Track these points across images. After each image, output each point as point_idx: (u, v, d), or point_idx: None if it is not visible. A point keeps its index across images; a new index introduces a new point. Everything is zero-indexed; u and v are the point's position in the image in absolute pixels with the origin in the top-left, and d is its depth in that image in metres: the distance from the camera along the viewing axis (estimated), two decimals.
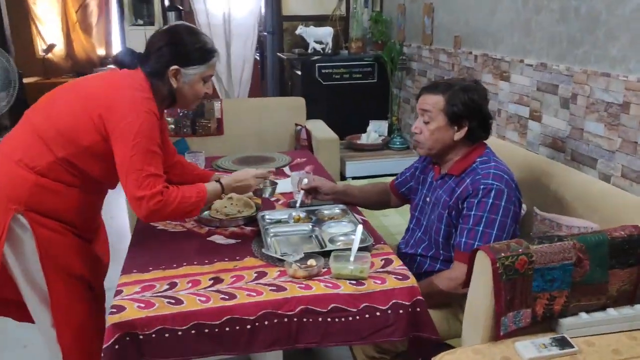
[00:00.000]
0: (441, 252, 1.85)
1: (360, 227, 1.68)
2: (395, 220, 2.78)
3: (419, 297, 1.54)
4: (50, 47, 8.34)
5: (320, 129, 3.79)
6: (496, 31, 2.71)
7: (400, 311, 1.52)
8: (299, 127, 3.83)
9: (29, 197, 1.63)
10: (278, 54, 4.89)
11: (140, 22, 4.38)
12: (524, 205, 2.16)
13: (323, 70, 4.15)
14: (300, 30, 4.23)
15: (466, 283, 1.66)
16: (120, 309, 1.43)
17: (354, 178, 3.74)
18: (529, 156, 2.30)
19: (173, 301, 1.47)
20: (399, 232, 2.65)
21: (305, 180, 2.02)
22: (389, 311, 1.52)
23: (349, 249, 1.64)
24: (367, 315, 1.51)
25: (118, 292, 1.52)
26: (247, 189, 1.89)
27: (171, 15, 5.10)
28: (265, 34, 5.45)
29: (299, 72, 4.29)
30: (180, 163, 2.10)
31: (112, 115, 1.61)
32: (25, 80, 7.50)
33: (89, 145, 1.64)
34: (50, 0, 8.24)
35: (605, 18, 1.95)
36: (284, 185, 2.36)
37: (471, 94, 1.78)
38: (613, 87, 1.91)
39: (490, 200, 1.70)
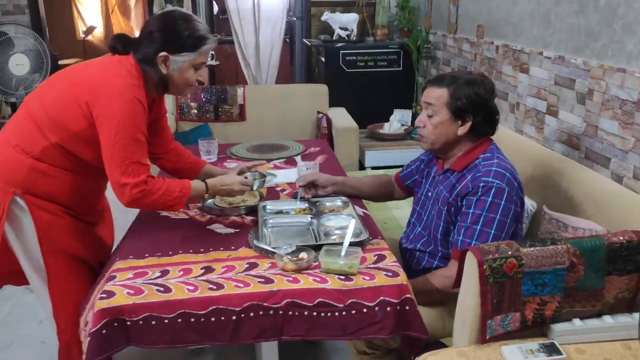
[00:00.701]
0: (440, 248, 1.82)
1: (353, 222, 1.66)
2: (406, 213, 2.75)
3: (408, 295, 1.52)
4: (90, 29, 8.54)
5: (341, 118, 3.76)
6: (517, 21, 2.62)
7: (388, 309, 1.50)
8: (320, 115, 3.82)
9: (26, 181, 1.68)
10: (304, 40, 4.86)
11: (170, 6, 4.40)
12: (533, 203, 2.10)
13: (347, 58, 4.11)
14: (326, 16, 4.19)
15: (457, 283, 1.64)
16: (110, 294, 1.46)
17: (373, 168, 3.70)
18: (544, 152, 2.23)
19: (162, 289, 1.49)
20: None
21: (302, 177, 2.03)
22: (376, 308, 1.50)
23: (342, 243, 1.63)
24: (353, 312, 1.50)
25: (111, 278, 1.55)
26: (230, 194, 1.90)
27: (200, 1, 5.13)
28: (295, 19, 5.42)
29: (324, 59, 4.26)
30: (175, 150, 2.11)
31: (97, 102, 1.63)
32: (65, 62, 7.69)
33: (78, 131, 1.67)
34: None
35: (624, 10, 1.85)
36: (291, 175, 2.36)
37: (476, 88, 1.73)
38: (628, 83, 1.82)
39: (490, 199, 1.66)
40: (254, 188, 2.02)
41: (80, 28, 8.57)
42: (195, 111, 3.87)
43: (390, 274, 1.56)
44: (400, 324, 1.52)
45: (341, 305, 1.49)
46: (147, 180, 1.66)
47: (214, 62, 5.40)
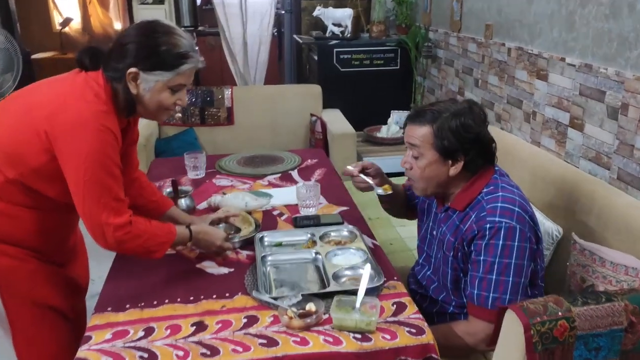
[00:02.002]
0: (452, 297, 1.61)
1: (368, 267, 1.44)
2: (412, 232, 2.53)
3: (432, 355, 1.31)
4: (66, 21, 8.15)
5: (336, 121, 3.53)
6: (533, 23, 2.40)
7: None
8: (314, 118, 3.58)
9: None
10: (294, 36, 4.60)
11: (149, 0, 4.14)
12: (559, 228, 1.89)
13: (341, 56, 3.86)
14: (318, 11, 3.93)
15: (493, 341, 1.43)
16: None
17: None
18: (568, 170, 2.02)
19: (146, 355, 1.26)
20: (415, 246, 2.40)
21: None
22: None
23: (356, 290, 1.41)
24: None
25: (86, 339, 1.33)
26: (209, 247, 1.64)
27: None
28: (283, 12, 5.15)
29: (316, 57, 4.01)
30: (139, 181, 1.80)
31: (58, 134, 1.37)
32: (41, 55, 7.37)
33: (38, 167, 1.42)
34: None
35: None
36: (288, 196, 2.13)
37: (464, 120, 1.48)
38: None
39: (501, 242, 1.43)
40: (236, 247, 1.74)
41: (57, 20, 8.19)
42: (180, 115, 3.61)
43: (414, 330, 1.34)
44: None
45: None
46: (131, 221, 1.44)
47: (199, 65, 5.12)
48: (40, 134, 1.38)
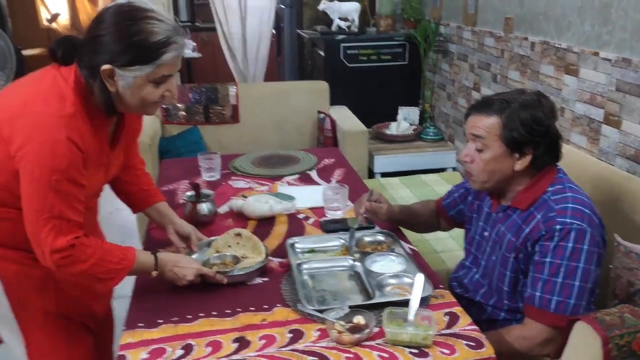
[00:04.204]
0: (505, 302, 1.53)
1: (421, 277, 1.34)
2: (437, 233, 2.45)
3: None
4: (54, 17, 7.95)
5: (346, 119, 3.43)
6: (560, 16, 2.32)
7: None
8: (322, 116, 3.48)
9: None
10: (298, 31, 4.48)
11: None
12: None
13: (348, 51, 3.76)
14: (324, 5, 3.82)
15: (550, 346, 1.35)
16: None
17: (383, 175, 3.39)
18: (603, 168, 1.94)
19: None
20: (444, 250, 2.32)
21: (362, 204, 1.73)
22: None
23: (404, 301, 1.32)
24: None
25: (121, 359, 1.21)
26: (180, 280, 1.45)
27: None
28: (283, 7, 5.03)
29: (322, 53, 3.90)
30: (135, 169, 1.68)
31: (15, 139, 1.23)
32: (29, 52, 7.15)
33: (4, 185, 1.29)
34: None
35: None
36: (313, 197, 2.03)
37: (535, 112, 1.41)
38: None
39: (570, 245, 1.36)
40: (225, 282, 1.49)
41: (44, 15, 7.98)
42: (184, 113, 3.49)
43: (472, 344, 1.25)
44: None
45: None
46: (76, 244, 1.27)
47: (195, 55, 4.97)
48: (4, 138, 1.24)
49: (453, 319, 1.34)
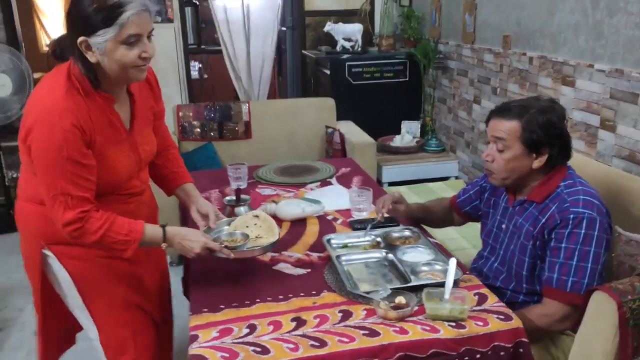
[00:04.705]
0: (524, 285, 1.70)
1: (453, 261, 1.53)
2: (449, 234, 2.64)
3: (522, 339, 1.40)
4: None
5: (353, 132, 3.63)
6: (556, 33, 2.55)
7: (502, 353, 1.40)
8: (330, 130, 3.68)
9: (43, 229, 1.53)
10: (303, 51, 4.70)
11: (158, 19, 4.21)
12: None
13: (353, 69, 3.98)
14: (329, 27, 4.05)
15: (568, 321, 1.53)
16: (201, 359, 1.29)
17: (390, 184, 3.59)
18: (602, 169, 2.15)
19: (259, 349, 1.32)
20: (457, 249, 2.51)
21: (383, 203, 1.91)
22: (489, 352, 1.39)
23: (440, 284, 1.50)
24: (466, 358, 1.38)
25: (194, 338, 1.37)
26: (188, 252, 1.56)
27: (187, 10, 4.90)
28: (285, 29, 5.26)
29: (327, 71, 4.11)
30: (166, 152, 1.82)
31: (28, 134, 1.42)
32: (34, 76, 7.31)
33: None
34: None
35: None
36: (338, 201, 2.21)
37: (550, 116, 1.61)
38: None
39: (583, 231, 1.55)
40: (232, 257, 1.59)
41: (44, 41, 8.14)
42: (199, 130, 3.67)
43: (502, 317, 1.43)
44: None
45: (454, 354, 1.37)
46: (83, 217, 1.42)
47: (200, 76, 5.18)
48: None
49: (482, 298, 1.52)
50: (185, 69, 4.42)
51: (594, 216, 1.55)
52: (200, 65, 5.17)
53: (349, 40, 4.05)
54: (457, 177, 3.67)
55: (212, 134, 3.69)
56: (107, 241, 1.46)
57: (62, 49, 1.48)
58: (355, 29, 4.02)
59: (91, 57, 1.40)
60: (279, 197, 2.34)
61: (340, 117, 3.84)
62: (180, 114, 3.65)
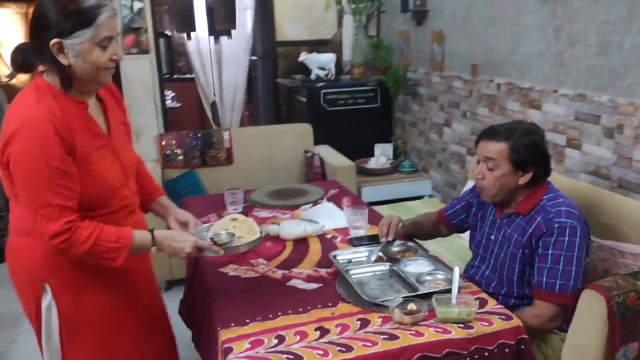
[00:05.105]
0: (515, 289, 1.89)
1: (457, 270, 1.70)
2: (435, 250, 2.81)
3: (523, 336, 1.57)
4: (13, 74, 7.99)
5: (332, 156, 3.80)
6: (522, 62, 2.80)
7: (506, 350, 1.55)
8: (309, 154, 3.83)
9: (42, 262, 1.56)
10: (278, 80, 4.88)
11: (134, 50, 4.29)
12: None
13: (328, 97, 4.18)
14: (303, 57, 4.25)
15: (557, 320, 1.72)
16: None
17: (370, 203, 3.75)
18: (571, 183, 2.37)
19: (292, 357, 1.44)
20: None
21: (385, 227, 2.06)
22: (495, 351, 1.54)
23: (446, 290, 1.67)
24: (476, 357, 1.53)
25: (228, 350, 1.47)
26: (179, 253, 1.59)
27: (161, 41, 5.01)
28: (255, 57, 5.43)
29: (302, 98, 4.29)
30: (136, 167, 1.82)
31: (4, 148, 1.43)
32: None
33: None
34: (13, 22, 7.92)
35: None
36: (335, 220, 2.36)
37: (534, 138, 1.83)
38: None
39: (567, 239, 1.75)
40: (222, 253, 1.67)
41: (3, 72, 8.01)
42: (182, 157, 3.76)
43: (503, 317, 1.60)
44: None
45: (465, 352, 1.52)
46: (70, 227, 1.42)
47: (175, 105, 5.27)
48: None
49: (482, 302, 1.69)
50: (160, 98, 4.51)
51: (575, 225, 1.76)
52: (174, 94, 5.27)
53: (322, 69, 4.25)
54: (430, 196, 3.89)
55: (194, 161, 3.78)
56: (97, 250, 1.45)
57: (26, 56, 1.49)
58: (328, 59, 4.23)
59: (63, 60, 1.43)
60: (277, 218, 2.46)
61: (317, 141, 4.00)
62: (163, 142, 3.73)
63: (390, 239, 2.04)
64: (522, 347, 1.57)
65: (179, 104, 5.35)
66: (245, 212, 2.55)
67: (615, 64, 2.22)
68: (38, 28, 1.43)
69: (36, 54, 1.46)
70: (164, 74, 4.94)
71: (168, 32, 5.08)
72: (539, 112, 2.68)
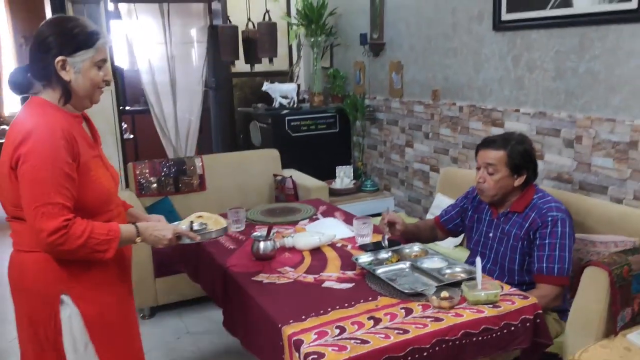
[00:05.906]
0: (516, 277, 2.19)
1: (479, 260, 1.96)
2: None
3: (539, 311, 1.86)
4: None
5: (302, 178, 4.01)
6: (483, 86, 3.18)
7: (527, 324, 1.82)
8: (280, 178, 4.02)
9: (58, 274, 1.63)
10: (239, 108, 5.05)
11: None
12: None
13: (292, 123, 4.42)
14: (266, 86, 4.47)
15: (559, 300, 2.03)
16: (320, 355, 1.55)
17: None
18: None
19: (359, 341, 1.62)
20: None
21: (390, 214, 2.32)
22: (519, 324, 1.81)
23: (468, 279, 1.93)
24: (505, 331, 1.79)
25: (299, 342, 1.62)
26: (161, 241, 1.76)
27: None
28: (207, 88, 5.56)
29: (265, 125, 4.50)
30: None
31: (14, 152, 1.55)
32: None
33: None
34: None
35: (605, 77, 2.48)
36: (341, 231, 2.57)
37: (527, 146, 2.18)
38: (619, 129, 2.43)
39: (559, 229, 2.08)
40: (198, 239, 1.88)
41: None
42: (155, 185, 3.81)
43: (522, 296, 1.88)
44: (535, 334, 1.85)
45: (496, 328, 1.78)
46: (67, 224, 1.53)
47: (128, 136, 5.28)
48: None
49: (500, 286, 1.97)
50: (119, 130, 4.52)
51: (565, 217, 2.10)
52: (126, 125, 5.28)
53: (285, 97, 4.49)
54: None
55: (168, 188, 3.84)
56: (91, 243, 1.55)
57: (26, 76, 1.64)
58: (290, 88, 4.48)
59: (65, 75, 1.60)
60: (280, 234, 2.63)
61: (284, 165, 4.21)
62: (137, 171, 3.77)
63: (385, 228, 2.30)
64: (538, 321, 1.85)
65: (132, 136, 5.37)
66: (248, 230, 2.70)
67: (572, 86, 2.63)
68: (43, 49, 1.60)
69: (39, 72, 1.62)
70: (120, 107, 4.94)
71: (120, 66, 5.12)
72: (502, 129, 3.04)
